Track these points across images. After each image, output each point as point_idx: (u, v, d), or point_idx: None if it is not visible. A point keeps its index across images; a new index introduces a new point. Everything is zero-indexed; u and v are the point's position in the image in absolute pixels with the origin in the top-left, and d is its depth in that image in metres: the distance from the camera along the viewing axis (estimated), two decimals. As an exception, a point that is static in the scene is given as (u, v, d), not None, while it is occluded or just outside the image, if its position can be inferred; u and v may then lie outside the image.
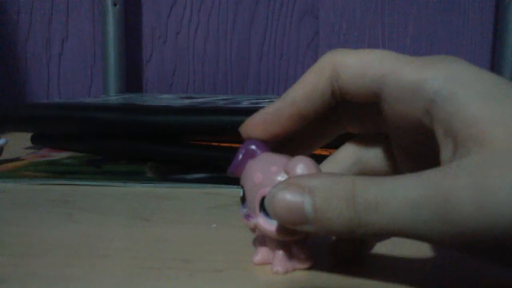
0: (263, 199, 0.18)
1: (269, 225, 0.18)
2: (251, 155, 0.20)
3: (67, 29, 0.70)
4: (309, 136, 0.22)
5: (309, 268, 0.19)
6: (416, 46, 0.69)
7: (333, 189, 0.16)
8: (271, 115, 0.20)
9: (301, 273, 0.19)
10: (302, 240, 0.19)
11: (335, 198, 0.15)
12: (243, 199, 0.20)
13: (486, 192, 0.13)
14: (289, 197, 0.16)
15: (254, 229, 0.19)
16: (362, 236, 0.16)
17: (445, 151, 0.16)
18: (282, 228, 0.18)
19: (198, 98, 0.52)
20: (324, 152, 0.33)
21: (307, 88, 0.19)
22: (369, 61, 0.18)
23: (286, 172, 0.18)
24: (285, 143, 0.21)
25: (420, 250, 0.21)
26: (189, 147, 0.38)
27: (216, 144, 0.38)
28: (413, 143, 0.19)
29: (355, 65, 0.18)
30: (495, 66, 0.65)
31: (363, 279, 0.18)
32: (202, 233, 0.24)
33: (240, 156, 0.20)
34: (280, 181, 0.18)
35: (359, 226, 0.15)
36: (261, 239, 0.20)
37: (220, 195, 0.31)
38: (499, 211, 0.13)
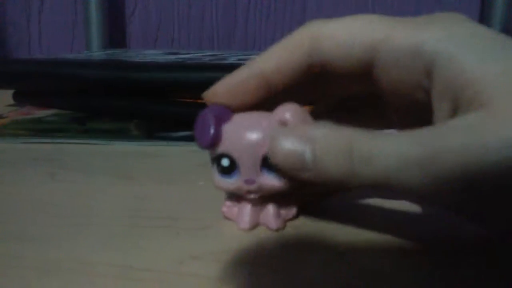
0: (265, 157, 0.18)
1: (273, 181, 0.18)
2: (224, 121, 0.19)
3: (46, -19, 0.67)
4: (281, 103, 0.21)
5: (294, 219, 0.20)
6: (404, 4, 0.67)
7: (332, 140, 0.16)
8: (238, 84, 0.19)
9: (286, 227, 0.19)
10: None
11: (334, 149, 0.16)
12: (229, 169, 0.19)
13: (474, 154, 0.13)
14: (291, 145, 0.17)
15: (258, 191, 0.19)
16: (356, 186, 0.16)
17: (440, 113, 0.16)
18: (287, 181, 0.18)
19: (183, 54, 0.51)
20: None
21: (279, 60, 0.18)
22: (357, 29, 0.17)
23: (280, 122, 0.18)
24: (256, 109, 0.20)
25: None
26: (175, 104, 0.37)
27: (202, 101, 0.37)
28: (409, 105, 0.18)
29: (341, 35, 0.17)
30: (484, 23, 0.64)
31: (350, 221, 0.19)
32: (189, 191, 0.24)
33: (213, 126, 0.18)
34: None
35: (354, 177, 0.16)
36: (245, 199, 0.19)
37: (207, 152, 0.31)
38: (484, 173, 0.13)
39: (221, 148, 0.19)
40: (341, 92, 0.21)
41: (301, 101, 0.21)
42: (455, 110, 0.15)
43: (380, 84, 0.18)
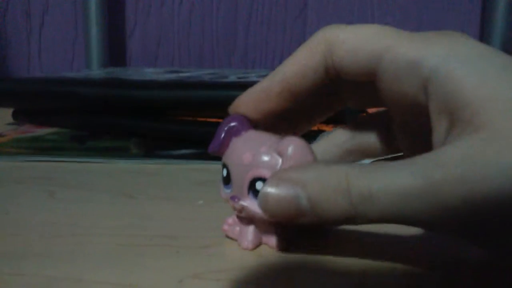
0: (253, 180, 0.18)
1: (256, 208, 0.18)
2: (234, 132, 0.19)
3: (48, 0, 0.68)
4: (303, 114, 0.21)
5: (297, 238, 0.20)
6: (405, 16, 0.68)
7: (327, 180, 0.16)
8: (261, 93, 0.19)
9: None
10: None
11: (330, 190, 0.15)
12: (226, 180, 0.19)
13: (474, 183, 0.13)
14: (283, 193, 0.16)
15: (240, 210, 0.18)
16: (357, 224, 0.16)
17: (438, 132, 0.16)
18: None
19: (184, 72, 0.52)
20: (325, 128, 0.33)
21: (298, 65, 0.19)
22: (366, 37, 0.17)
23: (279, 153, 0.18)
24: (279, 122, 0.21)
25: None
26: (175, 122, 0.38)
27: (202, 119, 0.37)
28: (410, 120, 0.18)
29: (351, 41, 0.18)
30: (484, 34, 0.65)
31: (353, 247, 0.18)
32: (189, 210, 0.24)
33: (223, 134, 0.19)
34: (269, 161, 0.18)
35: (356, 217, 0.15)
36: (248, 218, 0.19)
37: (206, 171, 0.31)
38: (486, 201, 0.13)
39: (224, 158, 0.19)
40: (355, 104, 0.21)
41: (320, 115, 0.21)
42: (452, 129, 0.15)
43: (383, 95, 0.18)
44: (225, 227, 0.20)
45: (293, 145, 0.17)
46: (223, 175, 0.19)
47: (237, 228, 0.20)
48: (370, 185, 0.15)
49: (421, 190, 0.14)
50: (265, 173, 0.18)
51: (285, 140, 0.18)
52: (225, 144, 0.19)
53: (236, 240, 0.20)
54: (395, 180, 0.15)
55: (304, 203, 0.16)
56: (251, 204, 0.18)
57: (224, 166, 0.19)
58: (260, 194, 0.17)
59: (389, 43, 0.17)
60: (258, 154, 0.18)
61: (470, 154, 0.14)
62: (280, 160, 0.18)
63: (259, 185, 0.18)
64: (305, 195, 0.16)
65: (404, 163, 0.15)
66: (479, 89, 0.15)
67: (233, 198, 0.18)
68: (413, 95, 0.16)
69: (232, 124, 0.19)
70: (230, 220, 0.20)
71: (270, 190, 0.16)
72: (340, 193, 0.15)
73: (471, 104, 0.14)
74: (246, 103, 0.20)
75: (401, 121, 0.19)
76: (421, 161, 0.15)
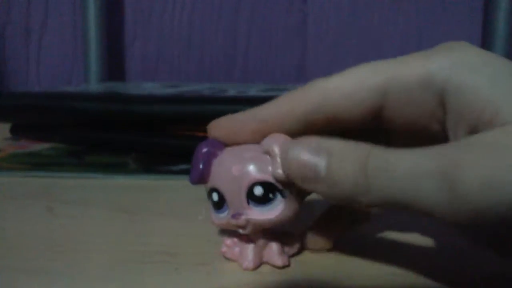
0: (250, 188, 0.18)
1: (262, 215, 0.18)
2: (212, 156, 0.19)
3: (47, 14, 0.68)
4: None
5: (298, 255, 0.19)
6: (407, 20, 0.68)
7: (349, 152, 0.16)
8: (236, 124, 0.19)
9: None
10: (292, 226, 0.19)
11: (350, 161, 0.16)
12: (219, 203, 0.19)
13: (494, 169, 0.13)
14: (305, 153, 0.16)
15: (245, 226, 0.18)
16: (365, 205, 0.15)
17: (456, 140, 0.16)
18: (277, 215, 0.18)
19: (183, 86, 0.52)
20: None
21: (281, 111, 0.18)
22: (361, 76, 0.17)
23: (267, 152, 0.18)
24: None
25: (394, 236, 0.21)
26: (175, 137, 0.37)
27: (202, 134, 0.37)
28: (422, 141, 0.18)
29: (346, 85, 0.17)
30: (485, 42, 0.65)
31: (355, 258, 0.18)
32: (188, 226, 0.24)
33: (202, 161, 0.19)
34: (260, 163, 0.18)
35: (366, 192, 0.15)
36: (246, 237, 0.19)
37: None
38: (506, 189, 0.13)
39: (210, 183, 0.19)
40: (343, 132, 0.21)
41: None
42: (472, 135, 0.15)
43: (391, 123, 0.18)
44: (224, 249, 0.19)
45: (279, 142, 0.18)
46: (213, 200, 0.19)
47: (236, 249, 0.19)
48: (386, 159, 0.15)
49: (436, 169, 0.14)
50: (260, 176, 0.18)
51: (268, 139, 0.18)
52: (207, 171, 0.19)
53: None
54: (412, 157, 0.14)
55: (322, 167, 0.16)
56: (255, 214, 0.18)
57: (213, 190, 0.19)
58: (282, 151, 0.17)
59: (390, 73, 0.17)
60: (246, 160, 0.18)
61: (494, 142, 0.14)
62: (270, 159, 0.18)
63: (258, 190, 0.18)
64: (325, 162, 0.16)
65: (423, 147, 0.15)
66: (494, 92, 0.15)
67: (234, 216, 0.18)
68: (430, 112, 0.16)
69: (206, 149, 0.19)
70: (228, 241, 0.19)
71: (294, 147, 0.17)
72: (358, 164, 0.15)
73: (490, 107, 0.15)
74: (220, 128, 0.20)
75: (411, 143, 0.19)
76: (442, 145, 0.15)
